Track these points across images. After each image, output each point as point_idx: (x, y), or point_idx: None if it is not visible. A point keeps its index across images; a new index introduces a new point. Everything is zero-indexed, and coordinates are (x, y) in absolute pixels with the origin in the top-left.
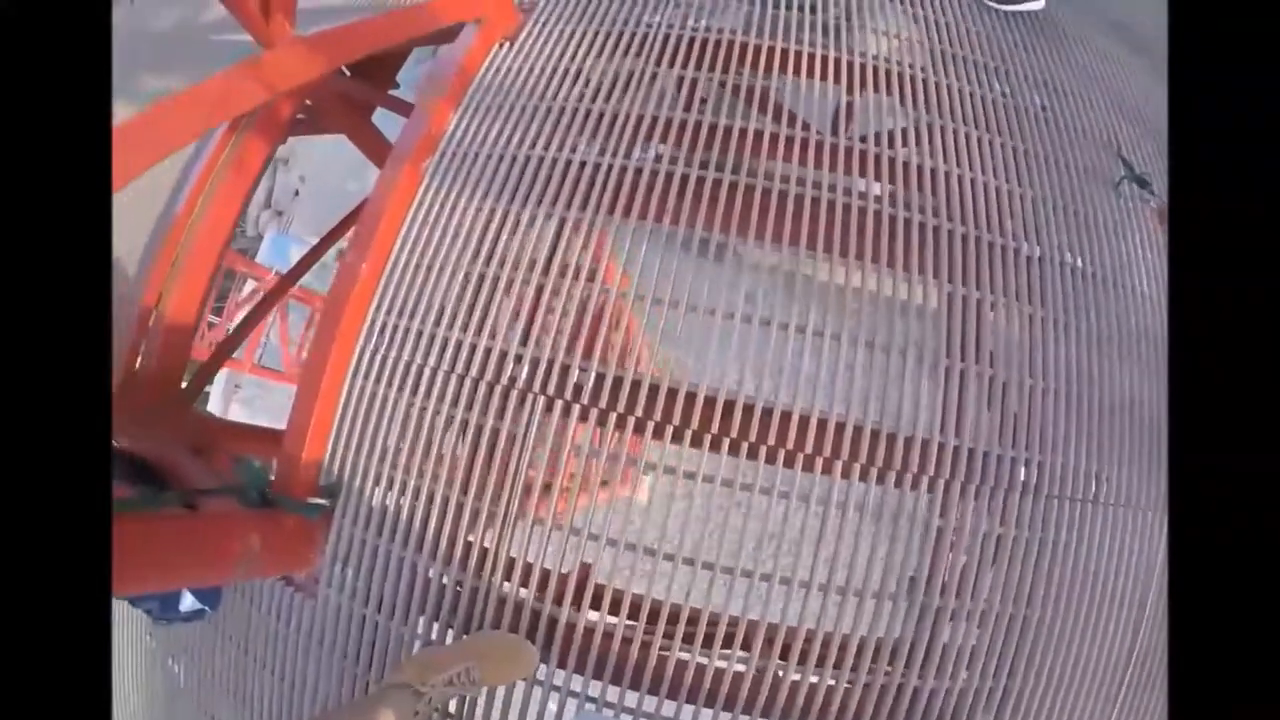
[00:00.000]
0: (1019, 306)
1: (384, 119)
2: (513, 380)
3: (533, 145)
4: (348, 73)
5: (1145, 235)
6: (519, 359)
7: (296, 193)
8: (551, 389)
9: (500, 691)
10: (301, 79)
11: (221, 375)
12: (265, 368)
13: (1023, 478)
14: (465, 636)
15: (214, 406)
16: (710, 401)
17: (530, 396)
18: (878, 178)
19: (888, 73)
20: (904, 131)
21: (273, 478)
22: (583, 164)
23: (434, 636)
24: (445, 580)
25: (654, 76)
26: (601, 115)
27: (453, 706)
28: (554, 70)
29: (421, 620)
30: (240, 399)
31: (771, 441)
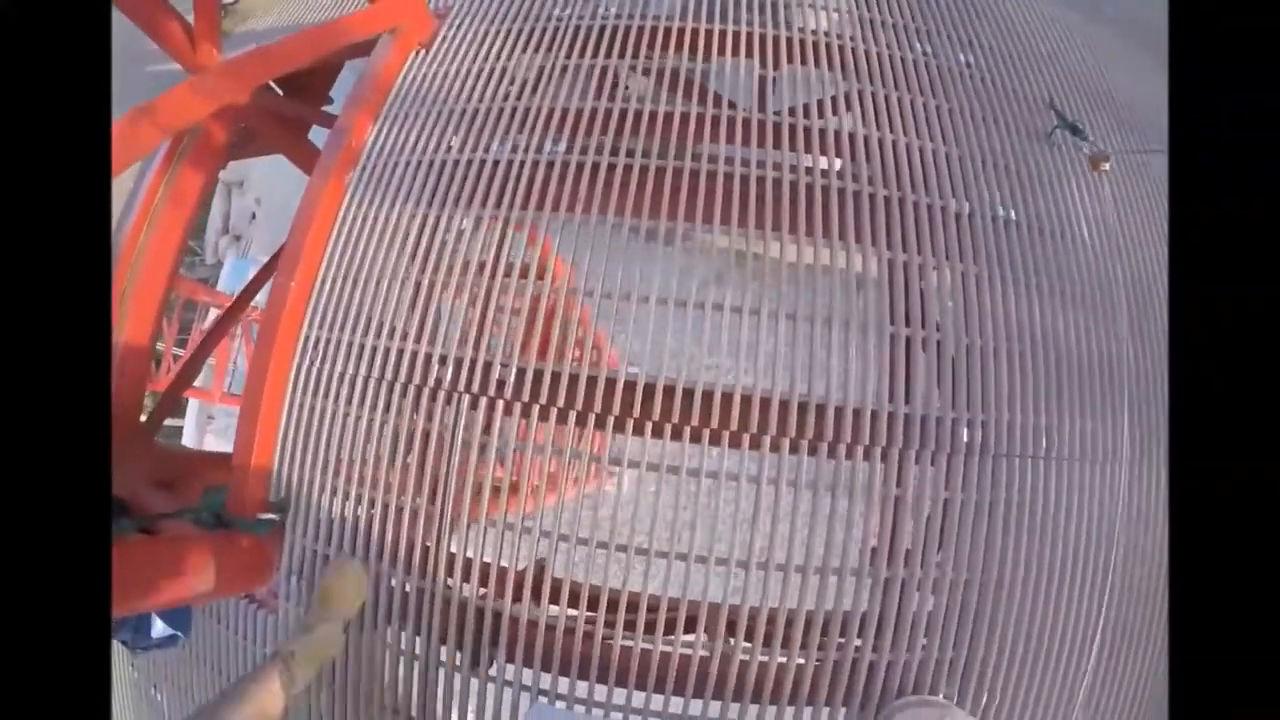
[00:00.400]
0: (953, 265)
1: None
2: (439, 382)
3: (448, 149)
4: (280, 91)
5: (1083, 183)
6: (444, 360)
7: (253, 216)
8: (475, 387)
9: (456, 689)
10: (227, 98)
11: (194, 408)
12: (236, 395)
13: (966, 439)
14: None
15: (189, 439)
16: (649, 389)
17: (455, 396)
18: (806, 150)
19: (803, 44)
20: (830, 101)
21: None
22: (496, 162)
23: (389, 640)
24: (394, 584)
25: (564, 69)
26: (514, 111)
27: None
28: (469, 72)
29: (379, 625)
30: (214, 430)
31: (716, 424)
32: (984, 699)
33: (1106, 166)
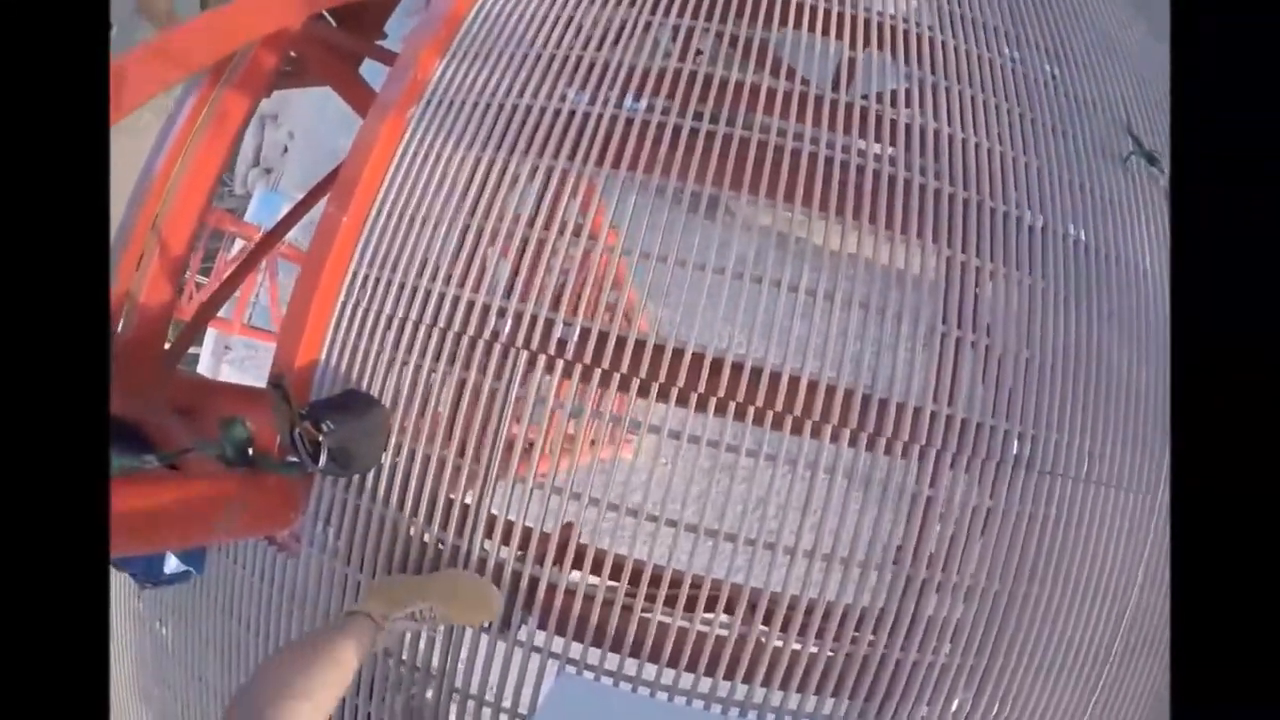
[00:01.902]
0: (1018, 276)
1: (374, 72)
2: (495, 335)
3: (520, 93)
4: (334, 22)
5: (1151, 212)
6: (502, 313)
7: (285, 149)
8: (535, 344)
9: (481, 652)
10: (280, 23)
11: (211, 337)
12: (255, 328)
13: (1015, 451)
14: (432, 573)
15: (204, 368)
16: (698, 360)
17: (513, 352)
18: (878, 138)
19: (893, 30)
20: (908, 92)
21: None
22: (571, 113)
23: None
24: (427, 539)
25: (648, 25)
26: (593, 64)
27: (419, 658)
28: (545, 18)
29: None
30: (230, 360)
31: (760, 403)
32: (995, 708)
33: None
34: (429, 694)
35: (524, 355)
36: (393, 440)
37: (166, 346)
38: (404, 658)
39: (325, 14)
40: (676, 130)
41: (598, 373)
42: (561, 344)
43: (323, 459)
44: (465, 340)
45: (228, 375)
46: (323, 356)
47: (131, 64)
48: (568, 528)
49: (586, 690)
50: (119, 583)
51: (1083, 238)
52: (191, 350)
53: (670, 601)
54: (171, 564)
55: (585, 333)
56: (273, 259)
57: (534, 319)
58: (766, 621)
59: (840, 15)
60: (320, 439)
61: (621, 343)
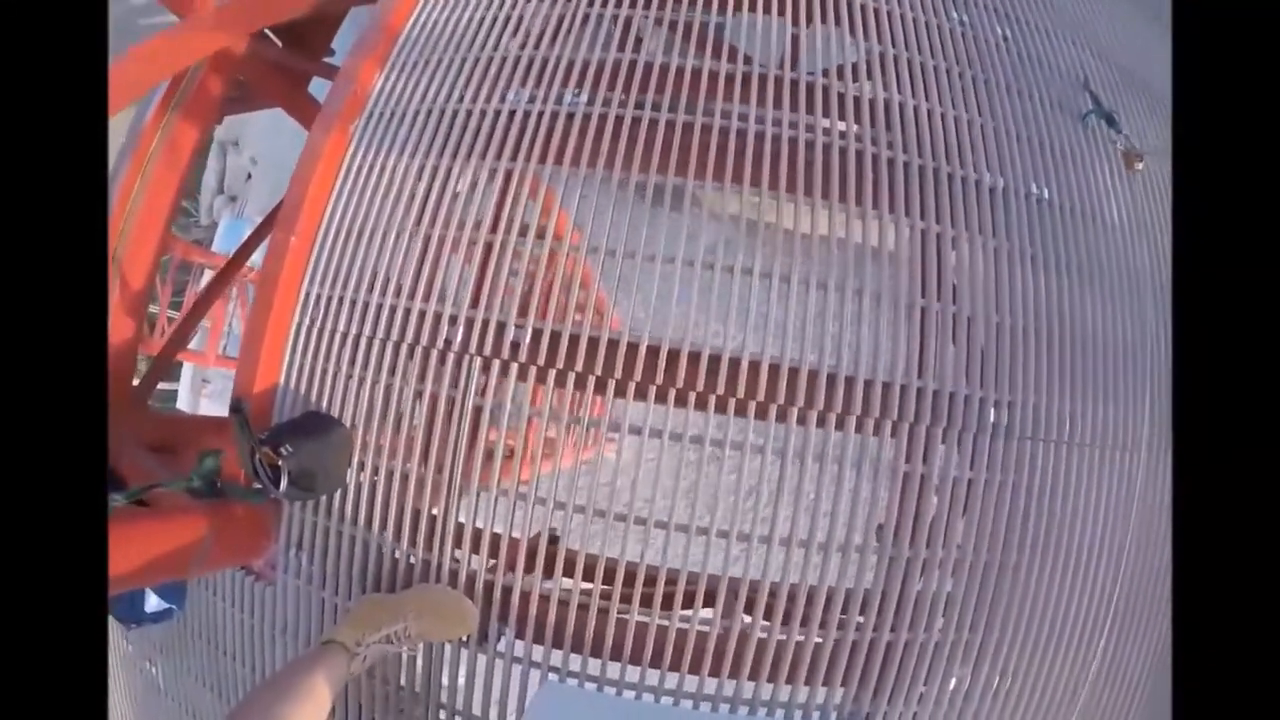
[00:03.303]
0: (982, 240)
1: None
2: (448, 343)
3: (461, 98)
4: (279, 43)
5: (1114, 167)
6: (453, 320)
7: (249, 175)
8: (488, 349)
9: (463, 667)
10: (222, 43)
11: (188, 372)
12: (230, 358)
13: (993, 419)
14: (404, 590)
15: (183, 404)
16: (674, 355)
17: (466, 359)
18: (831, 113)
19: (837, 4)
20: (857, 65)
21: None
22: (512, 113)
23: None
24: (398, 555)
25: (586, 18)
26: (531, 62)
27: (404, 677)
28: (482, 20)
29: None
30: (209, 394)
31: (733, 393)
32: (996, 681)
33: (1141, 166)
34: (416, 712)
35: (477, 361)
36: (356, 458)
37: (135, 383)
38: (388, 678)
39: (270, 34)
40: (619, 121)
41: (553, 373)
42: (514, 346)
43: (284, 483)
44: (419, 351)
45: (207, 409)
46: (281, 379)
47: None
48: (540, 534)
49: (571, 698)
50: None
51: (1045, 195)
52: (170, 386)
53: (650, 600)
54: (153, 602)
55: (537, 334)
56: (244, 287)
57: (485, 324)
58: (753, 612)
59: None
60: (280, 463)
61: (575, 341)
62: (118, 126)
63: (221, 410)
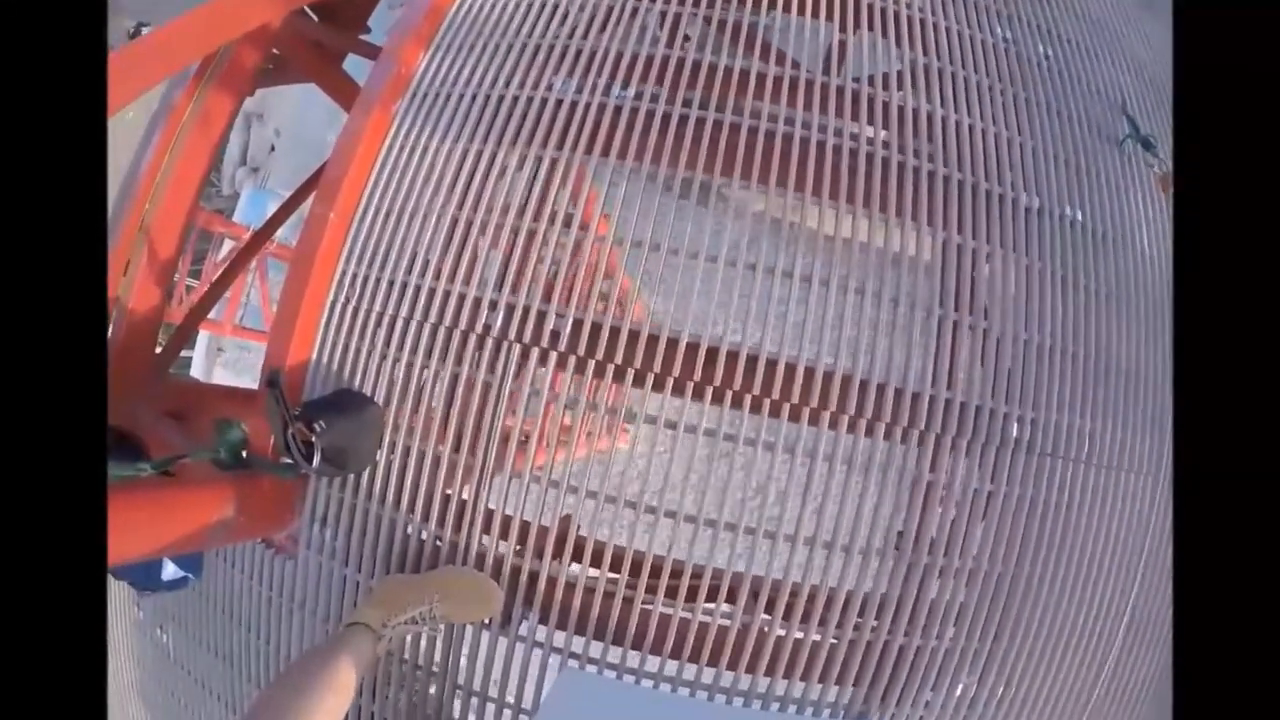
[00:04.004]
0: (1016, 258)
1: (358, 67)
2: (487, 328)
3: (507, 84)
4: (315, 18)
5: (1148, 194)
6: (494, 306)
7: (272, 148)
8: (528, 336)
9: (483, 649)
10: (261, 20)
11: (203, 339)
12: (247, 328)
13: (1015, 434)
14: (429, 571)
15: (197, 371)
16: (694, 349)
17: (505, 345)
18: (871, 121)
19: (883, 12)
20: (900, 74)
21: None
22: (559, 102)
23: None
24: (424, 536)
25: (634, 11)
26: (579, 52)
27: (421, 656)
28: (529, 6)
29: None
30: (223, 362)
31: (757, 391)
32: (1001, 690)
33: None
34: (431, 690)
35: (517, 348)
36: (387, 438)
37: (157, 351)
38: (405, 656)
39: (307, 10)
40: (666, 117)
41: (592, 364)
42: (554, 335)
43: (317, 459)
44: (457, 335)
45: (221, 377)
46: (314, 356)
47: (115, 62)
48: (566, 520)
49: (590, 684)
50: (118, 590)
51: (1079, 218)
52: (185, 353)
53: (671, 592)
54: (169, 570)
55: (578, 324)
56: (262, 259)
57: (525, 311)
58: (769, 610)
59: None
60: (314, 439)
61: (615, 333)
62: (151, 96)
63: (236, 378)
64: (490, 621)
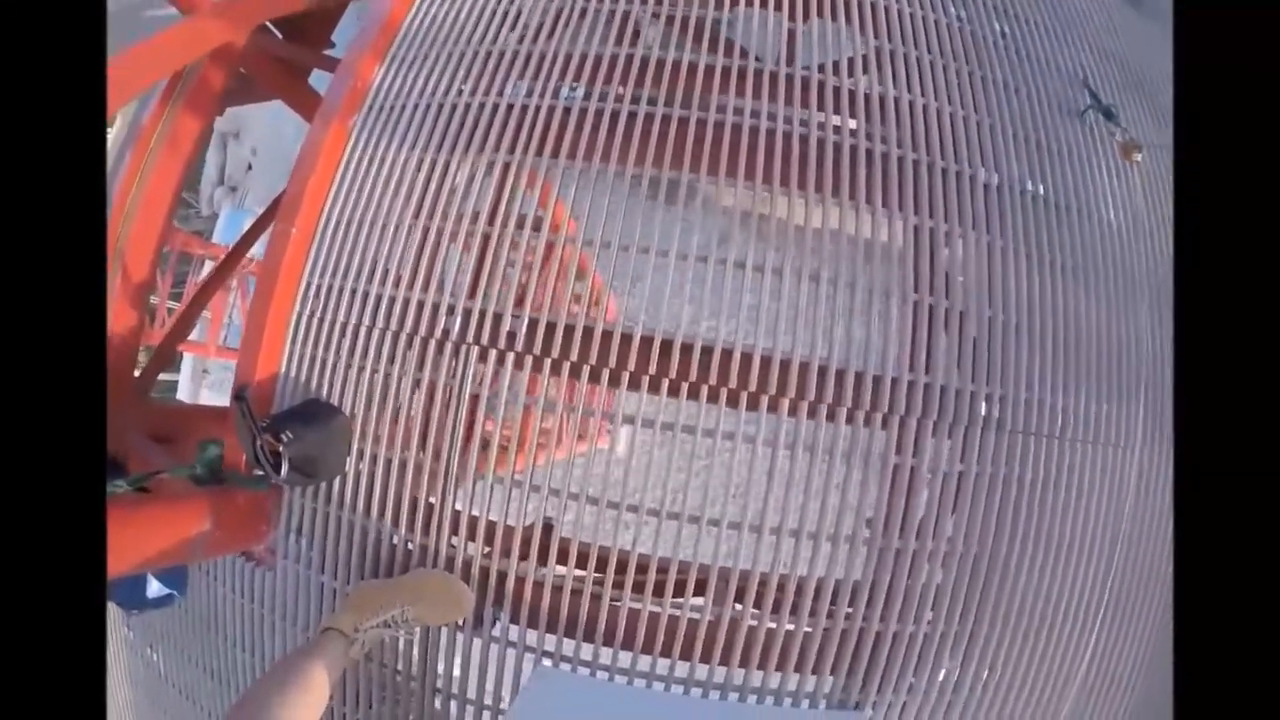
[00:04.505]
0: (976, 235)
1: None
2: (446, 333)
3: (460, 91)
4: (280, 35)
5: (1112, 165)
6: (451, 310)
7: (249, 166)
8: (485, 339)
9: (458, 649)
10: (224, 39)
11: (188, 362)
12: (230, 349)
13: (984, 413)
14: (400, 576)
15: (183, 394)
16: (668, 345)
17: (463, 348)
18: (833, 109)
19: (834, 0)
20: (855, 60)
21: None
22: (510, 106)
23: None
24: (396, 541)
25: (583, 12)
26: (529, 56)
27: (401, 660)
28: (481, 14)
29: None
30: (209, 384)
31: (732, 384)
32: (985, 674)
33: (1139, 157)
34: (411, 695)
35: (475, 350)
36: (355, 446)
37: (137, 374)
38: (385, 662)
39: (271, 27)
40: (617, 115)
41: (548, 362)
42: (511, 336)
43: (284, 469)
44: (418, 341)
45: (207, 399)
46: (282, 368)
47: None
48: (536, 521)
49: (564, 681)
50: (109, 611)
51: (1041, 192)
52: (170, 377)
53: (643, 587)
54: (154, 588)
55: (534, 324)
56: (244, 278)
57: (482, 315)
58: (746, 601)
59: None
60: (281, 450)
61: (570, 331)
62: (119, 120)
63: (222, 400)
64: (463, 623)
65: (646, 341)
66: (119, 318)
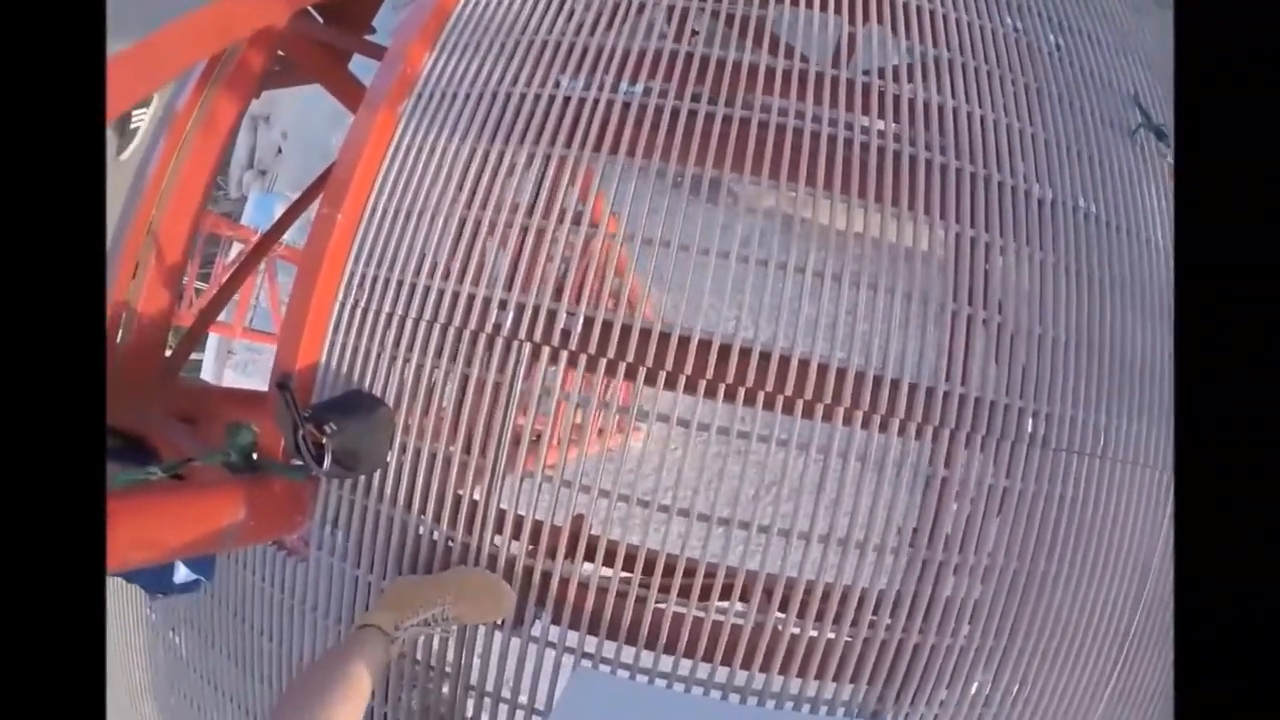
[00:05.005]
0: (1028, 251)
1: (364, 67)
2: (497, 328)
3: (514, 82)
4: (320, 19)
5: (1160, 185)
6: (503, 305)
7: (279, 150)
8: (538, 336)
9: (496, 649)
10: (265, 20)
11: (213, 342)
12: (256, 330)
13: (1029, 429)
14: (440, 573)
15: (208, 374)
16: (706, 346)
17: (515, 344)
18: (881, 114)
19: (892, 4)
20: (909, 67)
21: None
22: (566, 99)
23: None
24: (436, 537)
25: (641, 8)
26: (586, 49)
27: (434, 657)
28: (536, 4)
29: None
30: (234, 364)
31: (769, 387)
32: (1016, 688)
33: None
34: (445, 691)
35: (527, 348)
36: (398, 439)
37: (167, 355)
38: (419, 656)
39: (312, 11)
40: (674, 113)
41: (603, 362)
42: (565, 334)
43: (327, 461)
44: (467, 335)
45: (231, 379)
46: (323, 358)
47: (118, 65)
48: (578, 520)
49: (603, 684)
50: (130, 592)
51: (1092, 210)
52: (195, 356)
53: (684, 591)
54: (181, 573)
55: (589, 322)
56: (271, 261)
57: (535, 310)
58: (783, 608)
59: None
60: (324, 441)
61: (626, 331)
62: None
63: (246, 381)
64: (502, 622)
65: (703, 344)
66: (150, 299)
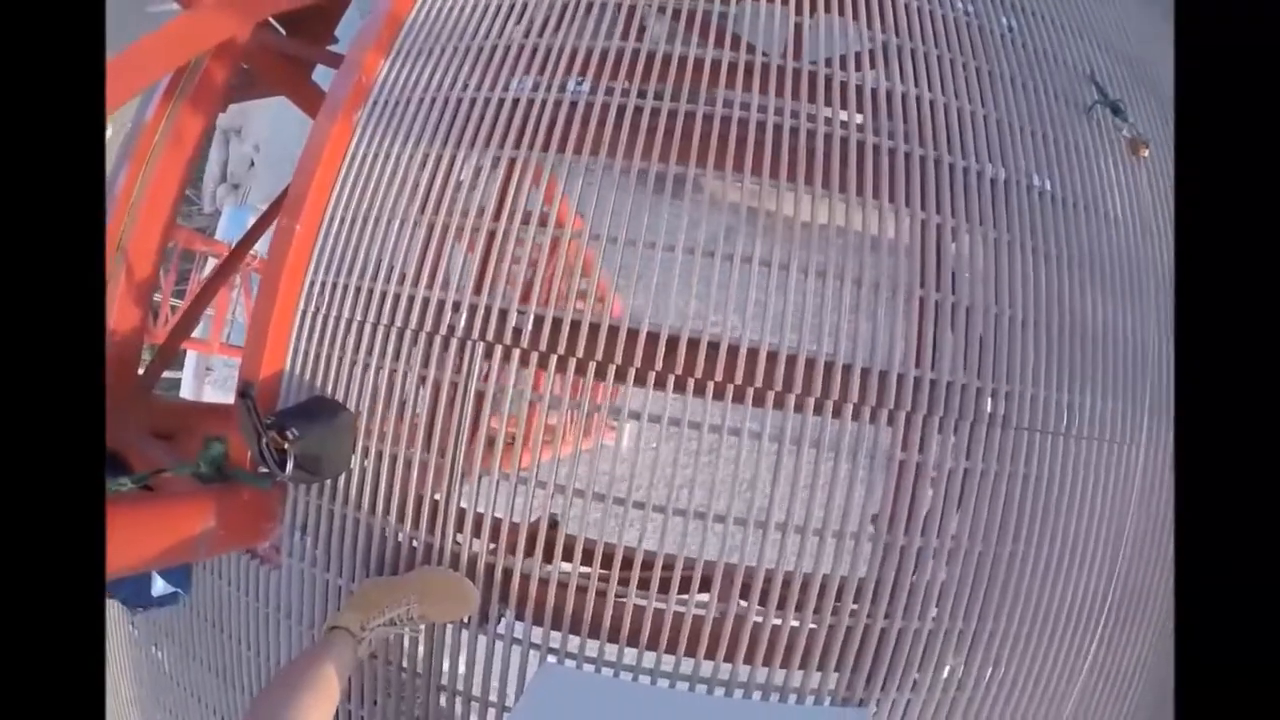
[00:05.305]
0: (983, 231)
1: (329, 78)
2: (452, 329)
3: (465, 86)
4: (283, 30)
5: (1119, 160)
6: (457, 307)
7: (252, 163)
8: (490, 335)
9: (464, 647)
10: (226, 33)
11: (191, 359)
12: (234, 346)
13: (990, 409)
14: (405, 573)
15: (187, 392)
16: (673, 341)
17: (469, 344)
18: (836, 103)
19: None
20: (859, 55)
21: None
22: (515, 101)
23: None
24: (401, 538)
25: (589, 7)
26: (535, 50)
27: (405, 659)
28: (486, 8)
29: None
30: (212, 381)
31: (738, 381)
32: (989, 671)
33: (1146, 153)
34: (416, 693)
35: (480, 347)
36: (360, 443)
37: (141, 372)
38: (390, 659)
39: (274, 22)
40: (623, 109)
41: (555, 360)
42: (516, 333)
43: (289, 467)
44: (423, 337)
45: (210, 396)
46: (287, 366)
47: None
48: (540, 518)
49: (569, 678)
50: (112, 609)
51: (1047, 187)
52: (174, 374)
53: (648, 584)
54: (159, 586)
55: (539, 320)
56: (246, 275)
57: (488, 311)
58: (751, 598)
59: None
60: (286, 447)
61: (578, 328)
62: (122, 117)
63: (225, 397)
64: (468, 620)
65: (652, 337)
66: (122, 315)
